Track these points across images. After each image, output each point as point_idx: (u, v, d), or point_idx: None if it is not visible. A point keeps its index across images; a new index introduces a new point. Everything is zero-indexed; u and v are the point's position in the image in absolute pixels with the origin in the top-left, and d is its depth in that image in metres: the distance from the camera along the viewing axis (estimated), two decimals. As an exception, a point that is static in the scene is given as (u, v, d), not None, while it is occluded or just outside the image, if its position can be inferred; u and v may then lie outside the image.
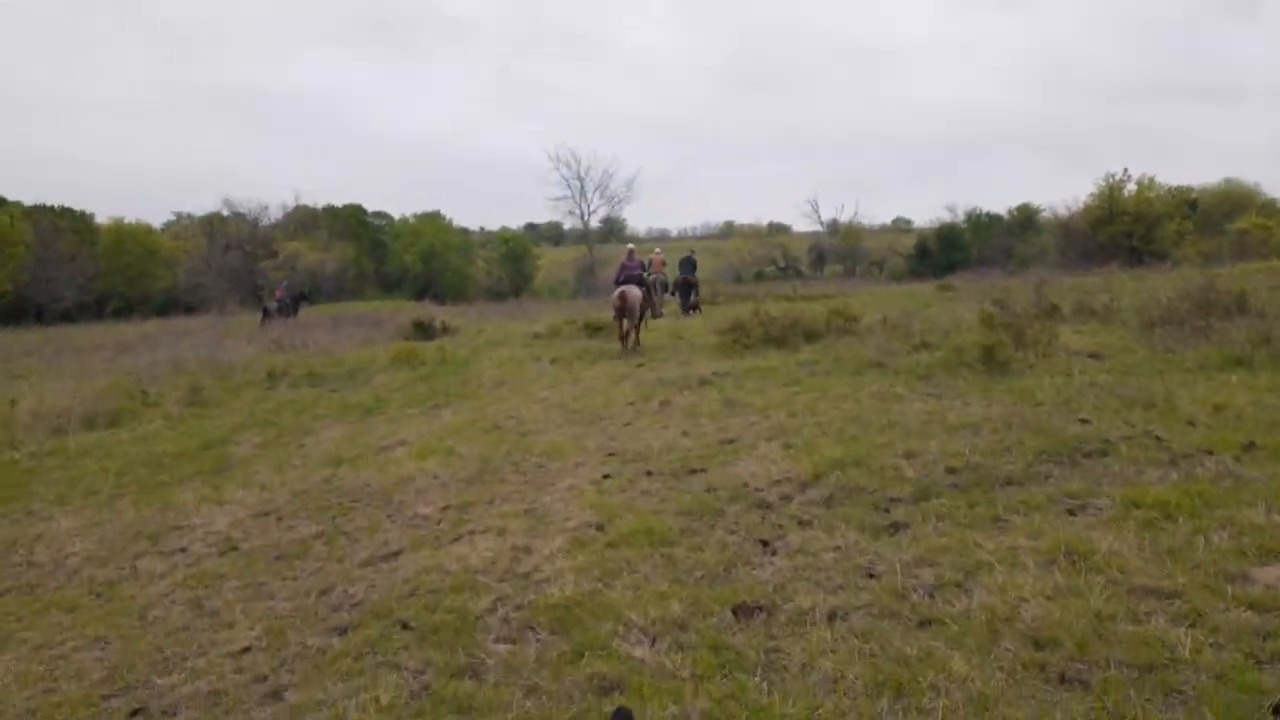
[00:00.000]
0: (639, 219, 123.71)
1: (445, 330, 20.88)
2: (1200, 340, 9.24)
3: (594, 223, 66.58)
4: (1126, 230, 49.20)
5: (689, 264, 23.75)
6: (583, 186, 63.15)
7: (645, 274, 16.15)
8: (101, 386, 13.72)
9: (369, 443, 8.95)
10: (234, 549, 6.08)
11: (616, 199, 65.33)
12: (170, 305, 51.59)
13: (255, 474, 8.30)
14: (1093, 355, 9.36)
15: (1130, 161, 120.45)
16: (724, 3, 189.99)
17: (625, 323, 14.29)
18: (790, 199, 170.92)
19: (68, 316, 46.86)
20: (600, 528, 5.20)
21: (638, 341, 14.54)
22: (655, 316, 17.08)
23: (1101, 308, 12.83)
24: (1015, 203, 65.77)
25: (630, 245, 17.43)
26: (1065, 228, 54.33)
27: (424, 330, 20.53)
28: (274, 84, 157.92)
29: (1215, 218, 56.30)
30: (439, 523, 5.93)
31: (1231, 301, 10.54)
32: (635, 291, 14.33)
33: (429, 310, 29.80)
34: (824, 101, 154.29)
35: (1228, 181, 62.54)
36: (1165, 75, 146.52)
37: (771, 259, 71.30)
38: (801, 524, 4.85)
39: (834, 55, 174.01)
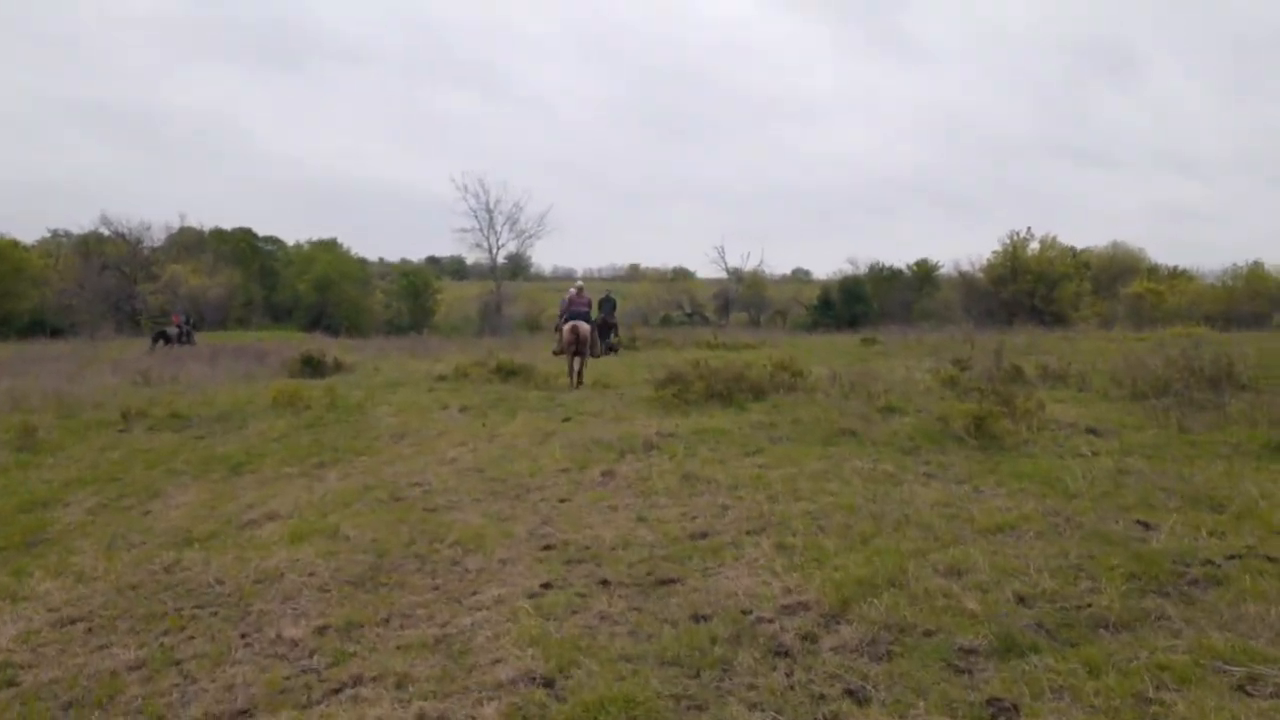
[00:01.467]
0: (544, 257, 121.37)
1: (338, 367, 18.85)
2: (1214, 418, 8.18)
3: (501, 258, 63.69)
4: (1029, 289, 50.07)
5: (609, 304, 23.40)
6: (491, 219, 60.27)
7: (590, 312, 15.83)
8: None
9: (231, 513, 7.09)
10: (11, 684, 4.25)
11: (527, 234, 62.18)
12: (35, 328, 47.39)
13: (75, 555, 6.36)
14: (1091, 430, 8.20)
15: (1018, 220, 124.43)
16: (628, 46, 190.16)
17: (577, 359, 14.39)
18: (693, 244, 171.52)
19: (-88, 336, 42.45)
20: (549, 684, 3.58)
21: (581, 380, 14.32)
22: (594, 355, 16.46)
23: (1067, 372, 11.84)
24: (912, 257, 66.97)
25: (579, 283, 17.13)
26: (968, 284, 55.18)
27: (313, 367, 18.44)
28: (158, 102, 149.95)
29: (1104, 280, 58.12)
30: (312, 654, 4.20)
31: (1221, 372, 9.61)
32: (586, 326, 14.60)
33: (320, 343, 27.62)
34: (725, 149, 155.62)
35: (1115, 245, 64.69)
36: (1050, 135, 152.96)
37: (678, 304, 70.73)
38: (853, 694, 3.32)
39: (735, 103, 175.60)
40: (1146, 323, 40.52)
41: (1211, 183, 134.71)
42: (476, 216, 59.72)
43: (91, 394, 14.79)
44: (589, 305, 15.73)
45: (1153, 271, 60.02)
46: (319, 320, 53.70)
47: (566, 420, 10.45)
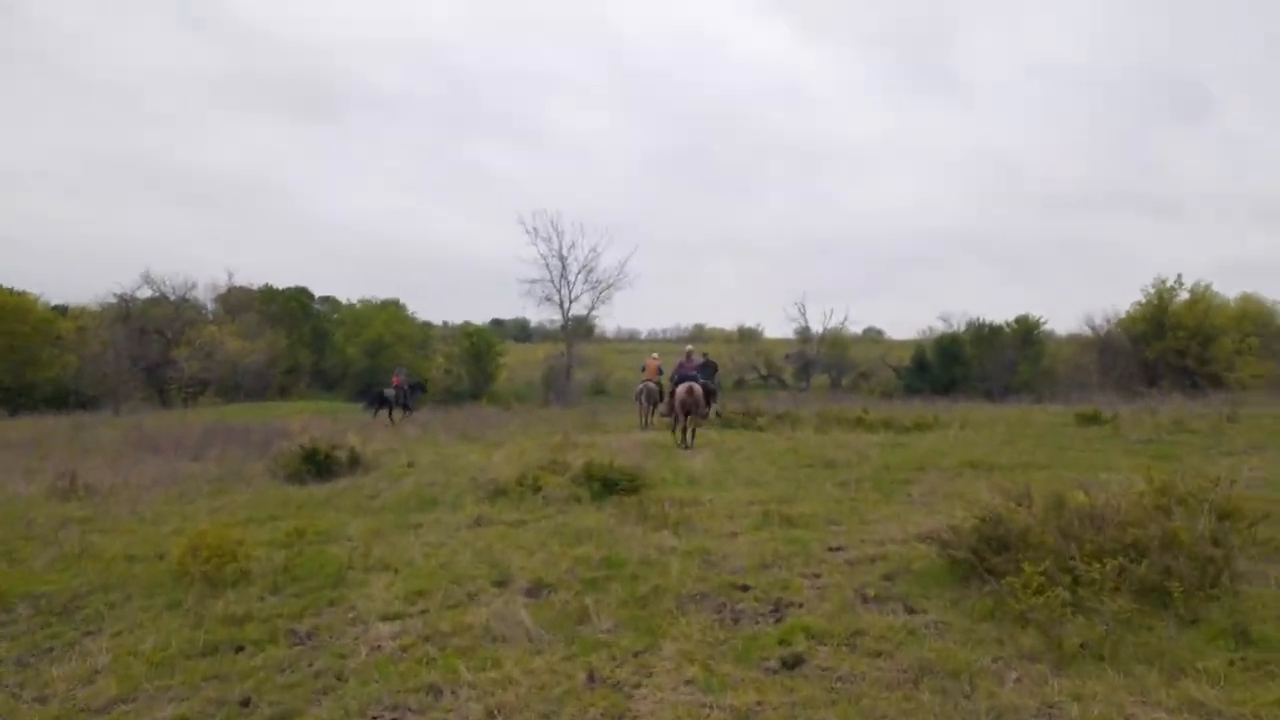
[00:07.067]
0: (607, 319, 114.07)
1: (354, 463, 13.05)
2: None
3: (577, 311, 54.82)
4: (1179, 347, 42.77)
5: (710, 368, 20.39)
6: (564, 267, 51.95)
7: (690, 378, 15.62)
8: None
9: None
10: None
11: (604, 284, 52.88)
12: (61, 398, 42.85)
13: None
14: None
15: (1075, 274, 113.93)
16: (667, 98, 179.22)
17: (688, 419, 14.69)
18: (752, 302, 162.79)
19: (-77, 409, 38.06)
20: None
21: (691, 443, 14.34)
22: (703, 417, 16.23)
23: None
24: (969, 315, 58.95)
25: (689, 347, 18.12)
26: (1103, 342, 47.89)
27: (318, 465, 12.63)
28: (201, 159, 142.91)
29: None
30: None
31: None
32: (699, 388, 14.93)
33: (350, 422, 22.10)
34: (771, 201, 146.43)
35: (1245, 297, 56.60)
36: (1111, 185, 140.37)
37: (751, 366, 64.48)
38: None
39: (776, 153, 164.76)
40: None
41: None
42: (547, 264, 52.05)
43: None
44: (697, 370, 16.51)
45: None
46: (368, 389, 48.66)
47: (792, 666, 4.34)
